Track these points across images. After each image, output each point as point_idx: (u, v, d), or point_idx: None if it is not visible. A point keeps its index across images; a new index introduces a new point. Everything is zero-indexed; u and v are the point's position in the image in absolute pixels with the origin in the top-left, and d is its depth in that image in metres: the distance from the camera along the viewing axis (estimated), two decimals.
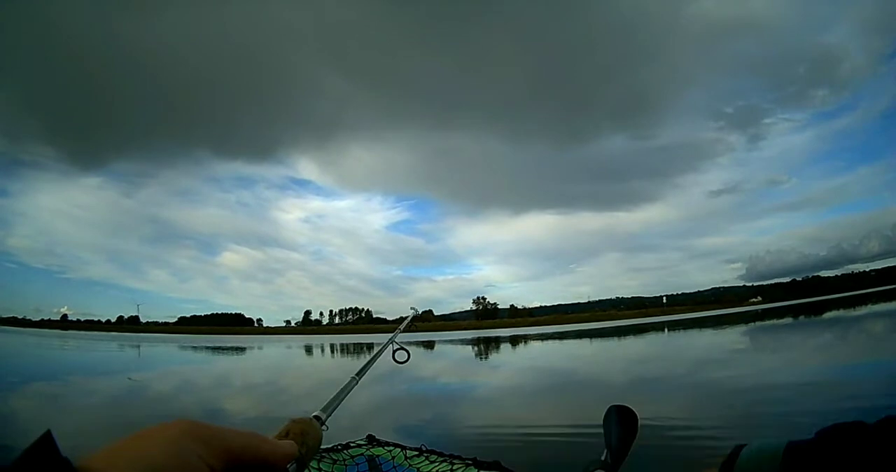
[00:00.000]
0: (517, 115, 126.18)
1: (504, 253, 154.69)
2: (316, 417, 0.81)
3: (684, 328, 37.56)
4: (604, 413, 1.28)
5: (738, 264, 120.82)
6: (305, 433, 0.65)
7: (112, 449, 0.36)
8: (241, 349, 36.10)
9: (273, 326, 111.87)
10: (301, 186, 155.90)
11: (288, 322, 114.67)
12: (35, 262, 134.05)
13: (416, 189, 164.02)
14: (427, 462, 2.05)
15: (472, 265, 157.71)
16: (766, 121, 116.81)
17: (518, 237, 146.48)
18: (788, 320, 34.74)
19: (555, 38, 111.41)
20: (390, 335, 1.94)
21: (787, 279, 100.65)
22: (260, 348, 40.15)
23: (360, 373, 1.21)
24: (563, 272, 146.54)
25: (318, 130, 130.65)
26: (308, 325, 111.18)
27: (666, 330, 37.86)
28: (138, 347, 37.92)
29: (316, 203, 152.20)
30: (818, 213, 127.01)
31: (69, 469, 0.30)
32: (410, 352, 1.72)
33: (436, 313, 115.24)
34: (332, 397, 0.96)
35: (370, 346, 31.20)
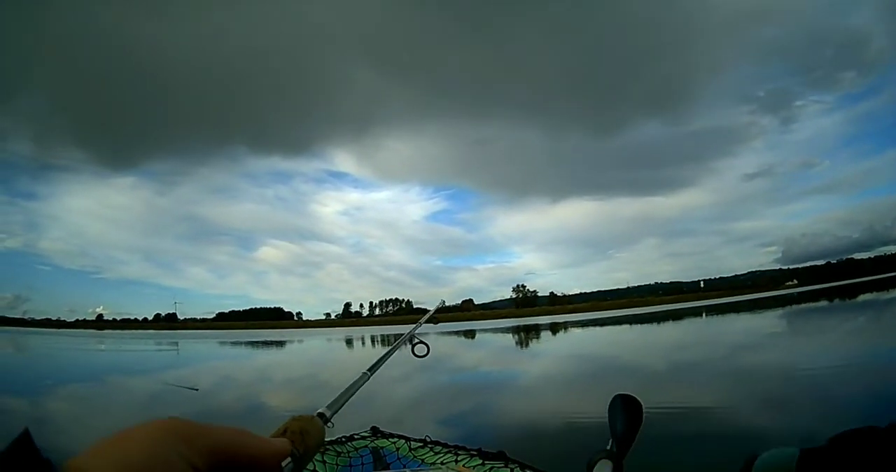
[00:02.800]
0: (552, 104, 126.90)
1: (543, 241, 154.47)
2: (320, 414, 0.82)
3: (720, 313, 37.96)
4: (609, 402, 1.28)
5: (774, 248, 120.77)
6: (305, 432, 0.64)
7: (93, 450, 0.37)
8: (280, 343, 36.98)
9: (313, 319, 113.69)
10: (338, 178, 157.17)
11: (328, 315, 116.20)
12: (69, 263, 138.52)
13: (454, 179, 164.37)
14: (431, 453, 2.08)
15: (511, 253, 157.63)
16: (797, 103, 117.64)
17: (557, 225, 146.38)
18: (824, 303, 35.38)
19: (587, 28, 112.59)
20: (415, 327, 1.96)
21: (821, 262, 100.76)
22: (300, 341, 41.13)
23: (373, 368, 1.21)
24: (601, 259, 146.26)
25: (353, 123, 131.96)
26: (348, 317, 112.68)
27: (703, 315, 38.47)
28: (176, 344, 39.29)
29: (354, 195, 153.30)
30: (850, 195, 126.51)
31: (50, 470, 0.30)
32: (430, 345, 1.74)
33: (476, 302, 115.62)
34: (339, 393, 0.97)
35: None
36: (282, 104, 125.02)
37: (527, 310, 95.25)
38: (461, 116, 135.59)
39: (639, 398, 1.25)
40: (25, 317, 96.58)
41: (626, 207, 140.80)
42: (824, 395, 6.77)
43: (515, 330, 38.65)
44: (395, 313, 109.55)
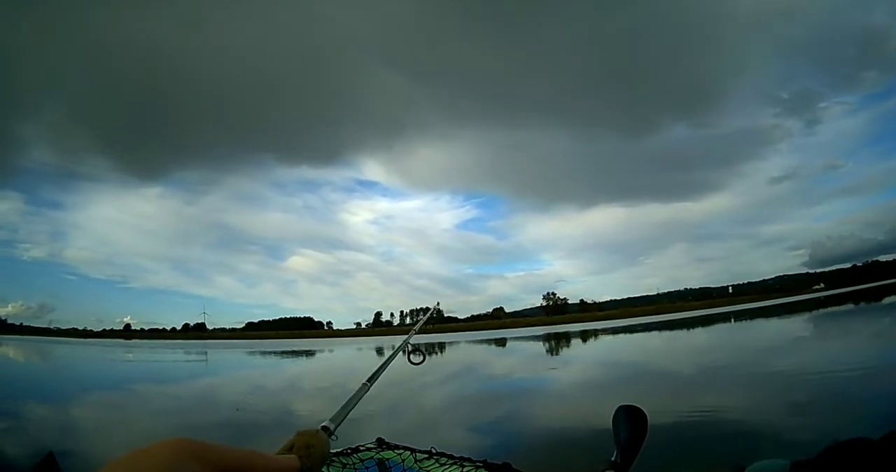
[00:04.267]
0: (580, 109, 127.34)
1: (573, 247, 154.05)
2: (324, 428, 0.89)
3: (749, 318, 38.55)
4: (613, 414, 1.33)
5: (801, 251, 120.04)
6: (311, 446, 0.67)
7: (105, 471, 0.38)
8: (310, 353, 37.38)
9: (343, 328, 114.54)
10: (368, 187, 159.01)
11: (358, 324, 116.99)
12: (95, 273, 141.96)
13: (484, 187, 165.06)
14: (437, 465, 2.10)
15: (542, 261, 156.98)
16: (821, 105, 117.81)
17: (586, 231, 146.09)
18: (850, 306, 35.80)
19: (613, 32, 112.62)
20: (409, 336, 2.03)
21: (847, 265, 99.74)
22: (330, 350, 41.48)
23: (372, 379, 1.28)
24: (631, 265, 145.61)
25: (383, 131, 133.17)
26: (378, 326, 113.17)
27: (732, 320, 39.16)
28: (205, 353, 39.94)
29: (383, 204, 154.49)
30: (874, 196, 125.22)
31: None
32: (425, 354, 1.80)
33: (507, 310, 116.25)
34: (341, 406, 1.04)
35: (441, 345, 32.07)
36: (310, 113, 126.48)
37: (556, 317, 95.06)
38: (490, 121, 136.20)
39: (644, 409, 1.31)
40: (51, 327, 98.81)
41: (655, 213, 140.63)
42: (848, 399, 6.93)
43: (544, 338, 38.95)
44: (425, 323, 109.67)
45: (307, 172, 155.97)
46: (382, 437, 2.40)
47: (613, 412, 1.33)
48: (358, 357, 31.39)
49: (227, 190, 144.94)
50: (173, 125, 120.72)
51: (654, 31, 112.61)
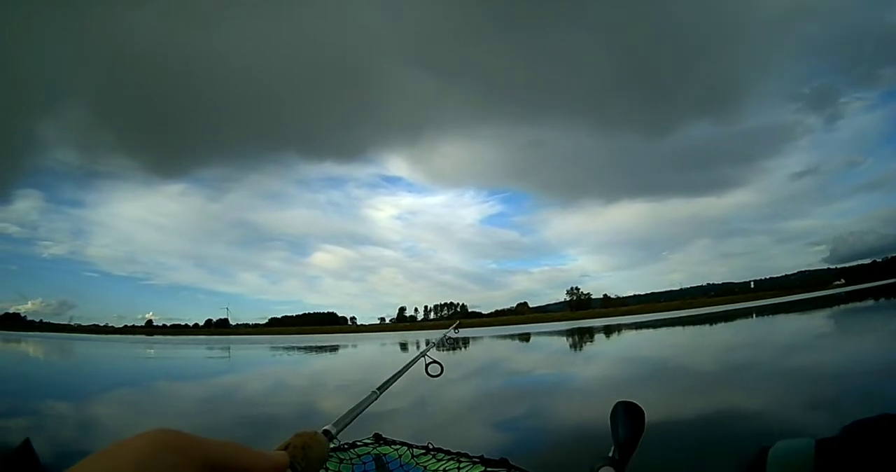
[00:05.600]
0: (603, 105, 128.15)
1: (597, 243, 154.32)
2: (325, 431, 0.91)
3: (770, 314, 38.42)
4: (611, 410, 1.35)
5: (822, 247, 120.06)
6: (308, 447, 0.67)
7: (85, 463, 0.37)
8: (333, 348, 37.75)
9: (367, 323, 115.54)
10: (392, 183, 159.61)
11: (382, 319, 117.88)
12: (117, 270, 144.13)
13: (509, 182, 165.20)
14: (434, 461, 2.14)
15: (566, 256, 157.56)
16: (841, 101, 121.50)
17: (610, 227, 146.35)
18: (870, 302, 36.17)
19: (636, 28, 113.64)
20: (428, 347, 2.05)
21: (868, 261, 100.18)
22: (353, 346, 41.88)
23: (382, 388, 1.30)
24: (655, 260, 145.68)
25: (406, 127, 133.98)
26: (403, 321, 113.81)
27: (754, 316, 39.14)
28: (228, 348, 40.50)
29: (408, 200, 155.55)
30: (894, 193, 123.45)
31: None
32: (443, 366, 1.82)
33: (531, 305, 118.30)
34: (346, 411, 1.07)
35: (465, 341, 32.27)
36: (333, 109, 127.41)
37: (579, 313, 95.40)
38: (514, 118, 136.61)
39: (641, 406, 1.33)
40: (72, 323, 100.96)
41: (678, 209, 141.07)
42: (869, 395, 6.96)
43: (563, 333, 39.34)
44: (449, 317, 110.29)
45: (331, 168, 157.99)
46: (379, 432, 2.44)
47: (611, 409, 1.34)
48: (380, 353, 31.59)
49: (251, 187, 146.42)
50: (196, 123, 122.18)
51: (676, 31, 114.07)
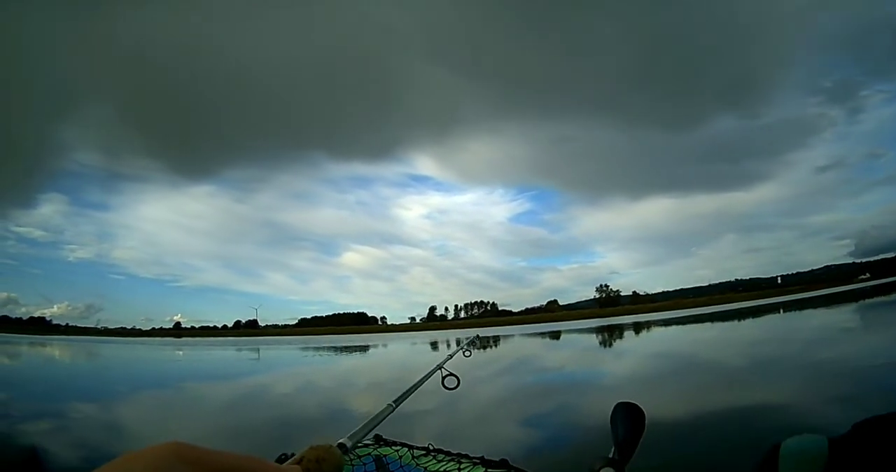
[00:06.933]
0: (628, 100, 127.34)
1: (625, 239, 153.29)
2: (340, 444, 0.94)
3: (797, 309, 39.12)
4: (611, 410, 1.38)
5: (847, 241, 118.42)
6: (322, 461, 0.67)
7: None
8: (363, 348, 38.07)
9: (397, 323, 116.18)
10: (421, 182, 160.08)
11: (412, 319, 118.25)
12: (143, 272, 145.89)
13: (537, 180, 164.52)
14: (434, 462, 2.18)
15: (594, 253, 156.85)
16: (863, 93, 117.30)
17: (638, 223, 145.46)
18: (894, 296, 36.73)
19: (659, 22, 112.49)
20: (445, 359, 2.09)
21: (892, 254, 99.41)
22: (384, 345, 42.20)
23: (399, 400, 1.35)
24: (683, 256, 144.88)
25: (434, 126, 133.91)
26: (433, 320, 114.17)
27: (781, 311, 39.53)
28: (257, 350, 41.07)
29: (437, 199, 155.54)
30: None
31: None
32: (459, 378, 1.86)
33: (561, 303, 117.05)
34: (362, 424, 1.11)
35: (496, 339, 32.34)
36: (360, 109, 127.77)
37: (607, 310, 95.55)
38: (541, 114, 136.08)
39: (641, 406, 1.37)
40: (98, 326, 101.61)
41: (705, 203, 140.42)
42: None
43: (589, 331, 39.59)
44: (479, 316, 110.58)
45: (359, 168, 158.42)
46: (380, 433, 2.47)
47: (612, 410, 1.38)
48: (408, 352, 31.76)
49: (278, 187, 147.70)
50: (222, 124, 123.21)
51: (699, 25, 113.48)
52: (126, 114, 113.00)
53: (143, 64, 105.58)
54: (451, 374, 1.93)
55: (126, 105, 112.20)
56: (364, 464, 2.17)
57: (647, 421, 1.32)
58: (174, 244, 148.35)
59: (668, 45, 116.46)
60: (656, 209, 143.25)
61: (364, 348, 37.86)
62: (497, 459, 2.10)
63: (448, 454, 2.26)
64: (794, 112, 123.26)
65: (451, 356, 2.19)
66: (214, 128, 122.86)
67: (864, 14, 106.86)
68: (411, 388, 1.51)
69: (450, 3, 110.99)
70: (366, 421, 1.15)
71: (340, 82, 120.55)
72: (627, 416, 1.32)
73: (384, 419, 1.25)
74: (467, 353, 3.97)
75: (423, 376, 1.89)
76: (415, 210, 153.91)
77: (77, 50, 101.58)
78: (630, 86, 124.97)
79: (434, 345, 35.17)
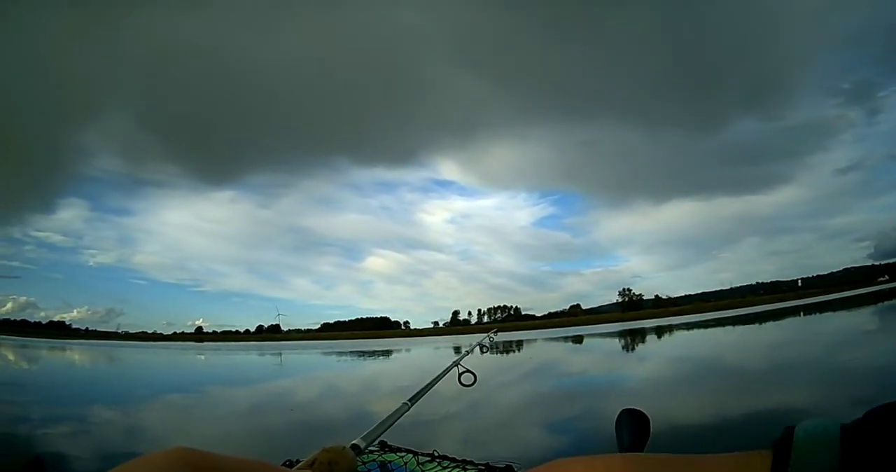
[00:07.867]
0: (651, 104, 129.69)
1: (648, 243, 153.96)
2: (353, 445, 0.90)
3: (818, 312, 39.34)
4: (617, 415, 1.35)
5: (866, 243, 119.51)
6: (334, 463, 0.66)
7: None
8: (384, 353, 38.24)
9: (420, 327, 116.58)
10: (444, 187, 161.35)
11: (436, 323, 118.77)
12: (165, 277, 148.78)
13: (560, 184, 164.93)
14: (439, 468, 2.17)
15: (617, 257, 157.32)
16: (881, 94, 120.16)
17: (661, 226, 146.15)
18: None
19: (681, 30, 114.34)
20: (461, 357, 2.04)
21: None
22: (407, 350, 42.41)
23: (414, 399, 1.30)
24: (705, 259, 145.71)
25: (458, 131, 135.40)
26: (456, 325, 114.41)
27: (801, 314, 39.69)
28: (279, 354, 41.41)
29: (460, 203, 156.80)
30: None
31: None
32: (476, 375, 1.82)
33: (584, 307, 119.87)
34: (376, 424, 1.06)
35: (519, 343, 32.36)
36: (383, 114, 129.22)
37: (630, 314, 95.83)
38: (563, 118, 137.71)
39: (646, 413, 1.32)
40: (119, 330, 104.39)
41: (727, 207, 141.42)
42: None
43: (612, 335, 40.07)
44: (502, 320, 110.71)
45: (383, 173, 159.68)
46: (385, 439, 2.42)
47: (616, 416, 1.35)
48: (432, 356, 31.84)
49: (302, 193, 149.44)
50: (246, 130, 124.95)
51: (720, 29, 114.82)
52: (148, 119, 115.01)
53: (166, 70, 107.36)
54: (468, 371, 1.89)
55: (148, 111, 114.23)
56: (369, 470, 2.17)
57: (661, 426, 1.29)
58: (196, 249, 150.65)
59: (691, 49, 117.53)
60: (679, 213, 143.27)
61: (387, 353, 38.01)
62: (502, 465, 2.08)
63: (453, 460, 2.26)
64: (813, 114, 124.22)
65: (468, 353, 2.16)
66: (237, 133, 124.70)
67: (881, 15, 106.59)
68: (427, 386, 1.47)
69: (475, 8, 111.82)
70: (380, 421, 1.11)
71: (365, 87, 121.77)
72: (632, 422, 1.30)
73: (399, 417, 1.20)
74: (485, 349, 3.96)
75: (438, 373, 1.85)
76: (438, 215, 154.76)
77: (100, 57, 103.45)
78: (653, 90, 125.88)
79: (457, 350, 35.26)
